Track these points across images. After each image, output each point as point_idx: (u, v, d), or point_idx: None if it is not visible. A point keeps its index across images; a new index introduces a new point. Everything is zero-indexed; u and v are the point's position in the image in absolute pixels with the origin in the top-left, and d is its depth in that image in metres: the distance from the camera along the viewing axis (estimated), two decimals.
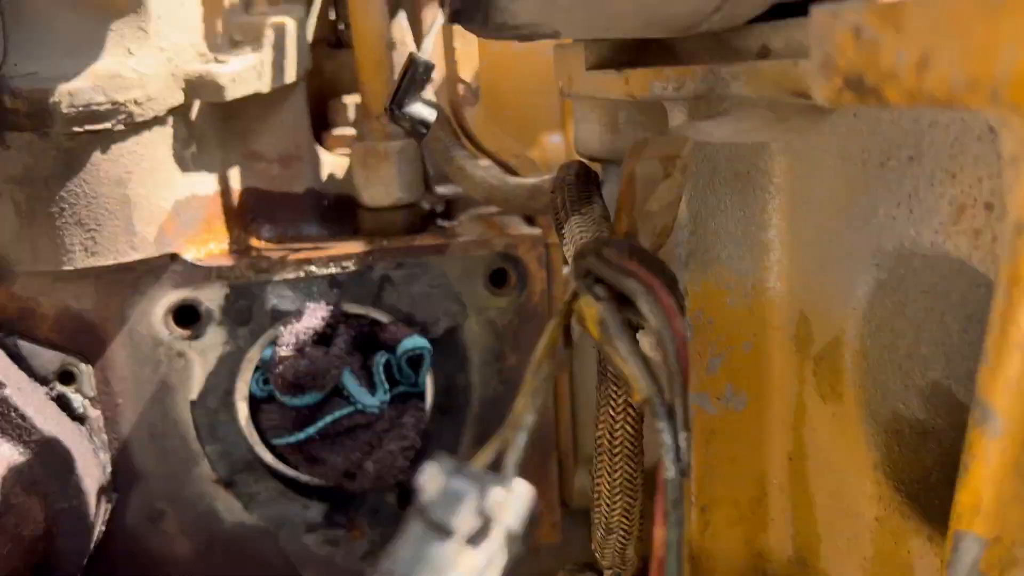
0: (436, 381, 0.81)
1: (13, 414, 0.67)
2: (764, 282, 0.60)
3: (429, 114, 0.73)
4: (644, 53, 0.57)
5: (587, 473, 0.90)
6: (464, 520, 0.30)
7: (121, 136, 0.68)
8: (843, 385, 0.55)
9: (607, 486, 0.52)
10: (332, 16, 0.95)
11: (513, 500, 0.31)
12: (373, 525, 0.82)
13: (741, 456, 0.63)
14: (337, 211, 0.86)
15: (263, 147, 0.80)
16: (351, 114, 0.92)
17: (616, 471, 0.52)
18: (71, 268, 0.69)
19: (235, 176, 0.80)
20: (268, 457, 0.79)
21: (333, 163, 0.87)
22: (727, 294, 0.61)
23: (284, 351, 0.72)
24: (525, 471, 0.87)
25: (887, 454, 0.53)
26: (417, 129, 0.73)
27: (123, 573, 0.77)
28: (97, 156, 0.68)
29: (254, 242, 0.80)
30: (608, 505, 0.53)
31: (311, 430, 0.74)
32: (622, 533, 0.54)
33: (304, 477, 0.80)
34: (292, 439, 0.75)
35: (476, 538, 0.30)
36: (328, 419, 0.75)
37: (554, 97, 1.19)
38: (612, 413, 0.51)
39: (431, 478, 0.31)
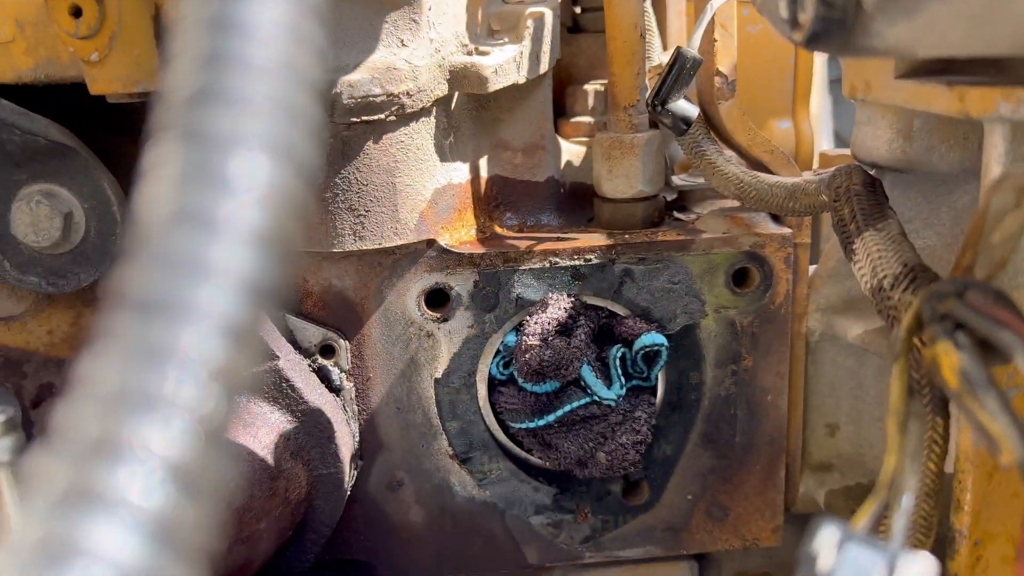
0: (668, 377, 0.81)
1: (284, 385, 0.72)
2: None
3: (692, 111, 0.71)
4: (960, 63, 0.54)
5: (813, 479, 0.87)
6: None
7: (392, 126, 0.71)
8: None
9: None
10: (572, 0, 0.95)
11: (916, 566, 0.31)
12: (596, 512, 0.83)
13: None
14: (573, 199, 0.87)
15: (510, 136, 0.81)
16: (591, 102, 0.92)
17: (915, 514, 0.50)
18: (340, 251, 0.73)
19: (483, 165, 0.81)
20: (502, 437, 0.81)
21: (570, 151, 0.87)
22: None
23: (531, 340, 0.73)
24: (752, 475, 0.85)
25: None
26: (679, 126, 0.71)
27: (363, 536, 0.82)
28: (370, 145, 0.71)
29: (497, 229, 0.82)
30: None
31: (550, 418, 0.76)
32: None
33: (535, 460, 0.82)
34: (531, 424, 0.76)
35: None
36: (567, 408, 0.76)
37: (783, 82, 1.14)
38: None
39: (828, 544, 0.31)
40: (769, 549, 0.97)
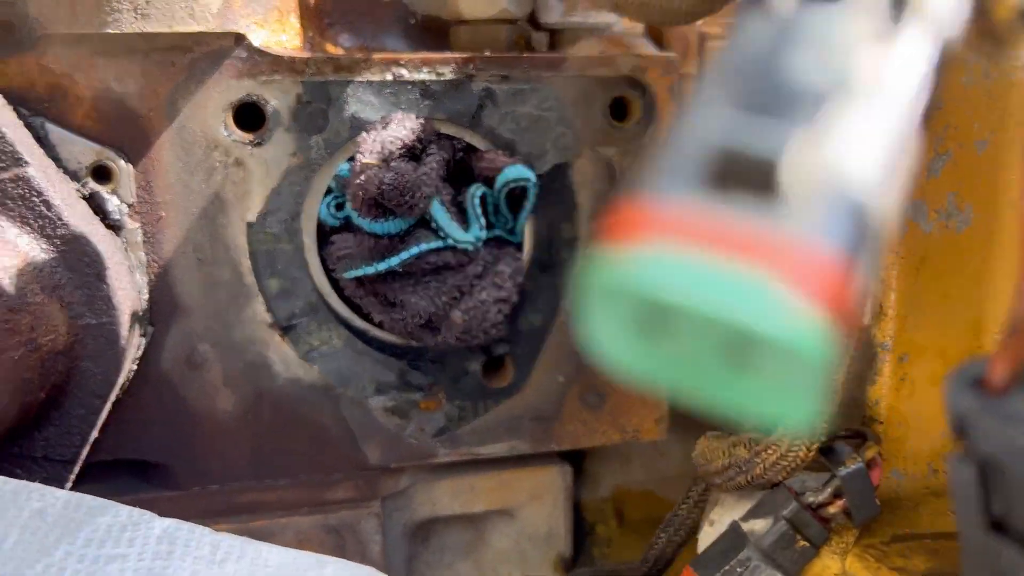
0: (537, 230, 0.68)
1: (36, 200, 0.54)
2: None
3: None
4: None
5: None
6: None
7: None
8: None
9: None
10: None
11: None
12: (452, 397, 0.69)
13: (956, 292, 0.49)
14: (425, 33, 0.73)
15: None
16: None
17: None
18: (116, 31, 0.56)
19: None
20: (336, 302, 0.66)
21: None
22: (962, 72, 0.47)
23: (367, 158, 0.59)
24: None
25: None
26: None
27: (154, 428, 0.65)
28: None
29: (330, 49, 0.67)
30: None
31: (393, 260, 0.61)
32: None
33: (376, 332, 0.67)
34: (369, 269, 0.61)
35: (886, 22, 0.17)
36: (414, 250, 0.62)
37: None
38: None
39: None
40: (651, 463, 0.86)
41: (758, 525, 0.46)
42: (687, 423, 0.85)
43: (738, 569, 0.44)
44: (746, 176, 0.16)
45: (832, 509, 0.46)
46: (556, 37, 0.77)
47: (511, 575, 0.77)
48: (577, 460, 0.81)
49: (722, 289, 0.15)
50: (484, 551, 0.77)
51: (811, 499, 0.46)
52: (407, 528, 0.74)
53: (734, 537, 0.46)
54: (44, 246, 0.55)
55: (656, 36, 0.70)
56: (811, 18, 0.17)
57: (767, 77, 0.16)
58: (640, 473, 0.85)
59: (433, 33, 0.73)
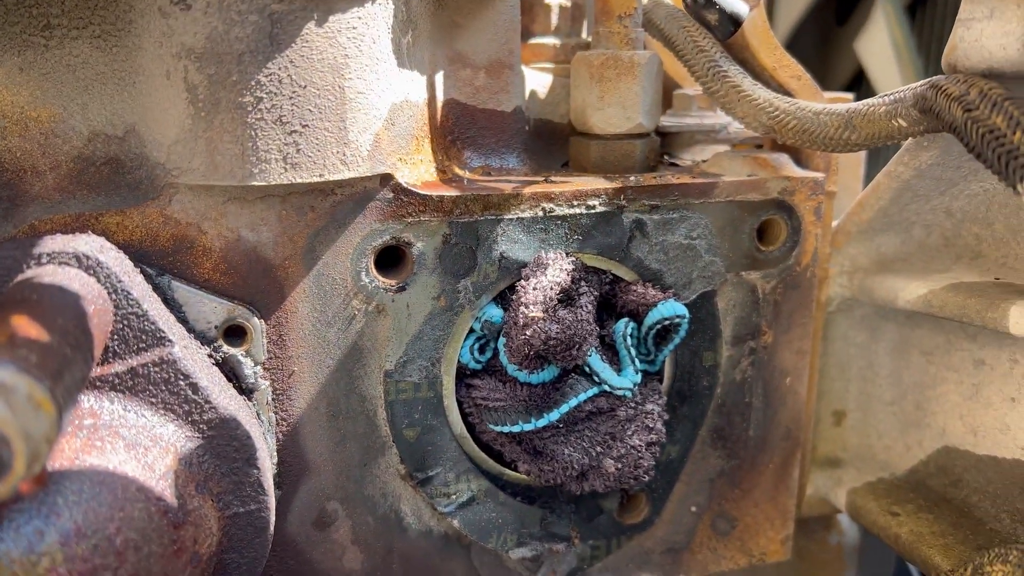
0: (679, 360, 0.64)
1: (182, 383, 0.48)
2: None
3: (743, 8, 0.55)
4: None
5: (823, 477, 0.74)
6: None
7: (342, 4, 0.49)
8: None
9: None
10: None
11: None
12: (585, 536, 0.65)
13: None
14: (538, 140, 0.68)
15: (470, 49, 0.62)
16: (554, 20, 0.73)
17: None
18: (262, 184, 0.50)
19: (439, 85, 0.61)
20: (472, 447, 0.61)
21: (535, 80, 0.69)
22: None
23: (533, 311, 0.54)
24: (763, 477, 0.64)
25: None
26: (726, 26, 0.55)
27: None
28: (311, 29, 0.49)
29: (457, 171, 0.62)
30: None
31: (553, 415, 0.57)
32: None
33: (511, 474, 0.62)
34: (526, 426, 0.57)
35: None
36: (573, 402, 0.57)
37: None
38: None
39: None
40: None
41: None
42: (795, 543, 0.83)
43: None
44: None
45: None
46: (668, 139, 0.73)
47: None
48: None
49: None
50: None
51: None
52: None
53: None
54: (190, 433, 0.48)
55: (795, 152, 0.67)
56: None
57: None
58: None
59: (545, 139, 0.68)
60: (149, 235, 0.51)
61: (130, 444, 0.44)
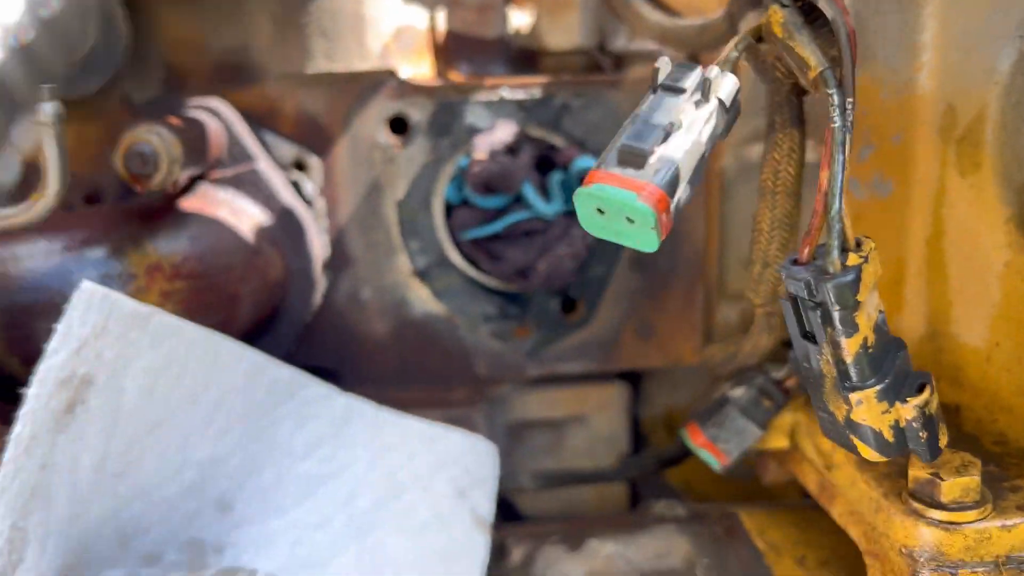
0: None
1: (263, 184, 0.82)
2: (915, 81, 0.68)
3: None
4: None
5: (728, 306, 0.99)
6: (691, 82, 0.42)
7: None
8: (982, 155, 0.63)
9: (767, 222, 0.62)
10: None
11: (726, 80, 0.42)
12: (538, 325, 0.94)
13: (883, 241, 0.71)
14: (522, 59, 0.98)
15: None
16: None
17: (777, 207, 0.62)
18: (312, 72, 0.84)
19: (440, 19, 0.93)
20: (456, 258, 0.92)
21: (520, 19, 0.99)
22: (881, 89, 0.69)
23: (480, 154, 0.85)
24: (673, 296, 0.99)
25: (1019, 209, 0.61)
26: None
27: (330, 345, 0.92)
28: None
29: (452, 76, 0.94)
30: (767, 239, 0.63)
31: (498, 225, 0.87)
32: (776, 267, 0.64)
33: (483, 279, 0.93)
34: (480, 232, 0.87)
35: (699, 101, 0.41)
36: (512, 218, 0.87)
37: None
38: (777, 157, 0.61)
39: (665, 63, 0.42)
40: (695, 389, 1.09)
41: (739, 391, 0.69)
42: None
43: (725, 418, 0.68)
44: (632, 158, 0.40)
45: (789, 383, 0.68)
46: (620, 61, 1.01)
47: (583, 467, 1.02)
48: (635, 385, 1.05)
49: (619, 197, 0.40)
50: (563, 449, 1.03)
51: (775, 375, 0.69)
52: (505, 428, 1.00)
53: (722, 399, 0.69)
54: (268, 215, 0.83)
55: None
56: (665, 99, 0.42)
57: (645, 121, 0.41)
58: (685, 398, 1.08)
59: (526, 59, 0.99)
60: (253, 104, 0.86)
61: (232, 210, 0.79)
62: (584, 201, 0.43)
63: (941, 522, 0.53)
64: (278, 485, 0.76)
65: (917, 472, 0.54)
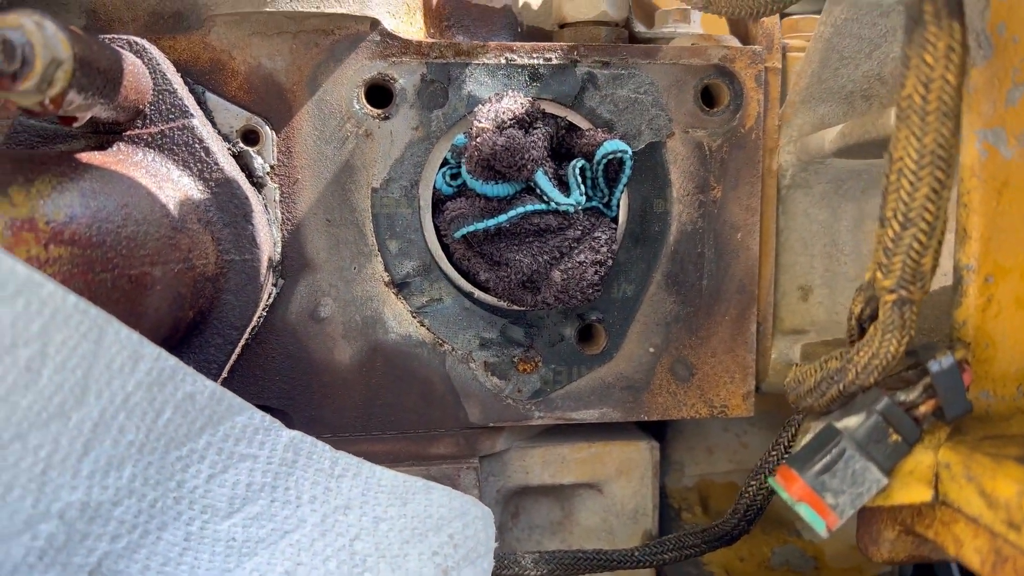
0: (631, 204, 0.73)
1: (197, 147, 0.62)
2: None
3: None
4: None
5: (787, 342, 0.79)
6: None
7: None
8: None
9: (912, 157, 0.43)
10: None
11: None
12: (548, 360, 0.73)
13: None
14: (531, 37, 0.81)
15: None
16: None
17: (927, 134, 0.43)
18: (271, 9, 0.65)
19: None
20: (447, 265, 0.72)
21: None
22: None
23: (483, 123, 0.66)
24: (720, 328, 0.76)
25: None
26: None
27: (279, 376, 0.70)
28: None
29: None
30: (911, 183, 0.43)
31: (502, 218, 0.67)
32: (924, 227, 0.44)
33: (480, 295, 0.72)
34: (479, 226, 0.67)
35: None
36: (520, 210, 0.67)
37: None
38: (930, 61, 0.42)
39: None
40: (734, 455, 0.88)
41: (852, 421, 0.48)
42: (771, 419, 0.87)
43: (834, 459, 0.47)
44: None
45: (924, 408, 0.48)
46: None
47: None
48: (661, 448, 0.83)
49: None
50: (573, 524, 0.80)
51: (903, 397, 0.48)
52: (500, 495, 0.78)
53: (828, 433, 0.48)
54: (201, 187, 0.62)
55: (742, 36, 0.77)
56: None
57: None
58: (724, 464, 0.87)
59: (537, 37, 0.81)
60: (192, 56, 0.67)
61: (150, 173, 0.59)
62: None
63: None
64: (185, 553, 0.53)
65: None
